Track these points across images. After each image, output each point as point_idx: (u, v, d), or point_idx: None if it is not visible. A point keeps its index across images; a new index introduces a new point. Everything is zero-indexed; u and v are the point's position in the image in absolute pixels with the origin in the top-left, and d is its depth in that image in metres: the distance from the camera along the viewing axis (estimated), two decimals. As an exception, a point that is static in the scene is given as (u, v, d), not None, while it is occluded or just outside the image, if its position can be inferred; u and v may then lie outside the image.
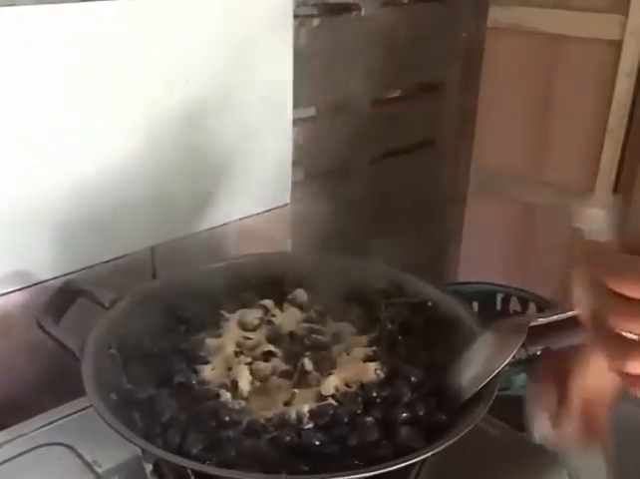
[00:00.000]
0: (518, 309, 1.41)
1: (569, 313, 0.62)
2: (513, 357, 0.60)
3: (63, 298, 0.71)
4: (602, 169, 1.47)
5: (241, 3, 0.91)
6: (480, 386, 0.59)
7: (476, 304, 1.37)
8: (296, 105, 1.01)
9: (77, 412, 0.73)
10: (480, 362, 0.61)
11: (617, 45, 1.30)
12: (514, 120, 1.47)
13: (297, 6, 1.00)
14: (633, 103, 1.32)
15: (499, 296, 1.42)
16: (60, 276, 0.81)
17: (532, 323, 0.61)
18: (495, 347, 0.62)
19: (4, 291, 0.79)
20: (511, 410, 0.90)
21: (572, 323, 0.62)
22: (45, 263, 0.81)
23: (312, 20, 1.04)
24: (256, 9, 0.92)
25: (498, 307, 1.42)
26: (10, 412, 0.77)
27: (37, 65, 0.75)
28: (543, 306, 1.37)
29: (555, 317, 0.62)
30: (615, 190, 1.50)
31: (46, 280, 0.81)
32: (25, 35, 0.73)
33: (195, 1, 0.86)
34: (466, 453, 0.57)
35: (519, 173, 1.58)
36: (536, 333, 0.62)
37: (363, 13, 1.11)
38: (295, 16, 0.98)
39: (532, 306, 1.39)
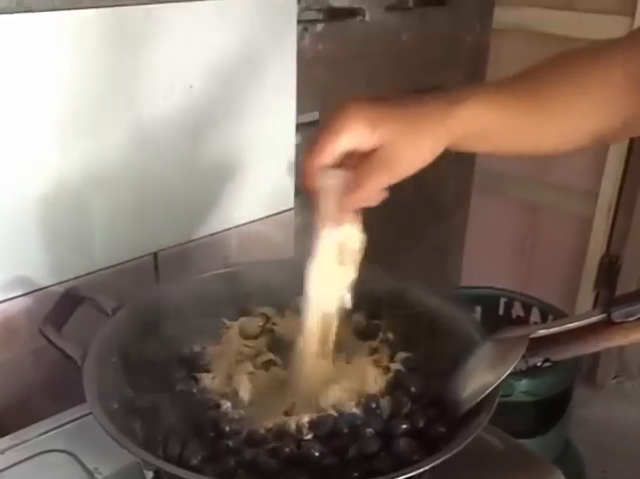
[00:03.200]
0: (521, 314, 1.41)
1: (570, 325, 0.62)
2: (514, 368, 0.60)
3: (65, 306, 0.71)
4: (607, 171, 1.47)
5: (245, 8, 0.91)
6: (481, 398, 0.59)
7: (479, 309, 1.37)
8: (300, 110, 1.01)
9: (79, 419, 0.73)
10: (481, 373, 0.61)
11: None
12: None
13: (301, 11, 1.00)
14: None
15: (503, 301, 1.42)
16: (63, 282, 0.82)
17: (533, 335, 0.62)
18: (496, 359, 0.62)
19: (7, 297, 0.79)
20: (513, 416, 0.91)
21: (573, 335, 0.63)
22: (48, 270, 0.81)
23: (316, 25, 1.04)
24: (260, 14, 0.92)
25: (501, 312, 1.42)
26: (13, 417, 0.78)
27: (34, 69, 0.75)
28: (546, 312, 1.37)
29: (556, 329, 0.62)
30: (620, 192, 1.50)
31: (49, 286, 0.81)
32: (14, 38, 0.73)
33: (200, 8, 0.86)
34: (466, 462, 0.57)
35: (524, 174, 1.58)
36: (537, 344, 0.62)
37: (367, 18, 1.11)
38: (299, 21, 0.99)
39: (535, 311, 1.38)
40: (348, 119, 0.58)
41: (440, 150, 0.60)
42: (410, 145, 0.59)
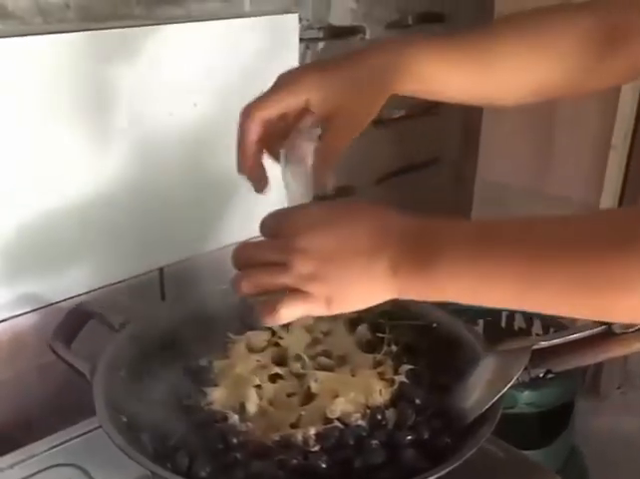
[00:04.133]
0: (523, 327, 1.41)
1: (571, 337, 0.63)
2: (517, 380, 0.61)
3: (74, 321, 0.73)
4: (606, 184, 1.48)
5: (248, 28, 0.93)
6: (484, 409, 0.60)
7: (481, 322, 1.37)
8: (302, 126, 1.02)
9: (88, 433, 0.74)
10: (484, 385, 0.62)
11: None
12: (518, 135, 1.48)
13: (303, 30, 1.01)
14: (637, 118, 1.33)
15: (504, 314, 1.42)
16: (70, 298, 0.83)
17: (535, 347, 0.63)
18: (499, 370, 0.63)
19: (17, 313, 0.80)
20: (516, 428, 0.91)
21: (574, 347, 0.64)
22: (56, 285, 0.82)
23: (317, 43, 1.06)
24: (263, 33, 0.94)
25: (503, 325, 1.42)
26: (22, 432, 0.79)
27: (33, 85, 0.76)
28: (548, 324, 1.37)
29: (557, 341, 0.63)
30: (620, 203, 1.50)
31: (57, 302, 0.82)
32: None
33: (204, 28, 0.88)
34: (469, 474, 0.58)
35: (524, 186, 1.59)
36: (539, 356, 0.63)
37: (368, 35, 1.13)
38: (301, 39, 1.00)
39: (537, 324, 1.39)
40: (293, 80, 0.60)
41: (388, 95, 0.62)
42: (360, 99, 0.60)
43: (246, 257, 0.54)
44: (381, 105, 0.61)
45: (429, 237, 0.49)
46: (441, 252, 0.48)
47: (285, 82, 0.61)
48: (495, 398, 0.60)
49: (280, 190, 0.64)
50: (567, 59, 0.66)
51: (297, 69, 0.64)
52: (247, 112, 0.60)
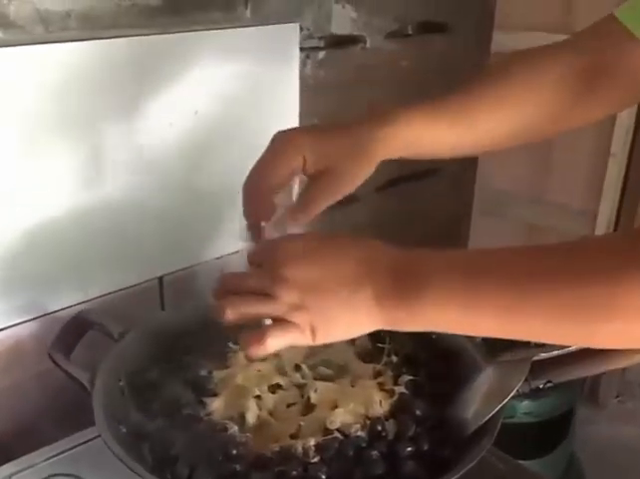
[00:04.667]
0: (522, 336, 1.41)
1: (571, 349, 0.63)
2: (517, 391, 0.61)
3: (73, 331, 0.73)
4: (605, 192, 1.48)
5: (249, 37, 0.93)
6: (484, 421, 0.60)
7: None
8: (302, 135, 1.02)
9: (87, 442, 0.73)
10: (484, 397, 0.62)
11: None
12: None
13: (303, 39, 1.02)
14: (636, 127, 1.33)
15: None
16: (70, 307, 0.83)
17: (535, 358, 0.63)
18: (499, 382, 0.63)
19: (16, 322, 0.80)
20: (516, 438, 0.91)
21: (574, 358, 0.64)
22: (55, 294, 0.82)
23: (318, 52, 1.06)
24: (264, 43, 0.94)
25: (503, 334, 1.42)
26: (20, 441, 0.78)
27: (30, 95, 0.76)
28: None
29: (557, 352, 0.63)
30: (618, 213, 1.51)
31: (56, 311, 0.82)
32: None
33: (205, 37, 0.88)
34: (469, 485, 0.58)
35: (523, 194, 1.59)
36: (539, 368, 0.63)
37: (368, 45, 1.13)
38: (301, 48, 1.00)
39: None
40: (290, 142, 0.64)
41: (377, 162, 0.65)
42: (350, 164, 0.64)
43: (232, 285, 0.55)
44: (368, 171, 0.64)
45: (415, 267, 0.49)
46: (427, 284, 0.48)
47: (282, 144, 0.64)
48: (496, 410, 0.60)
49: (280, 199, 0.66)
50: (550, 101, 0.68)
51: (293, 130, 0.67)
52: (250, 189, 0.64)
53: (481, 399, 0.63)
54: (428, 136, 0.66)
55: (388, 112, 0.65)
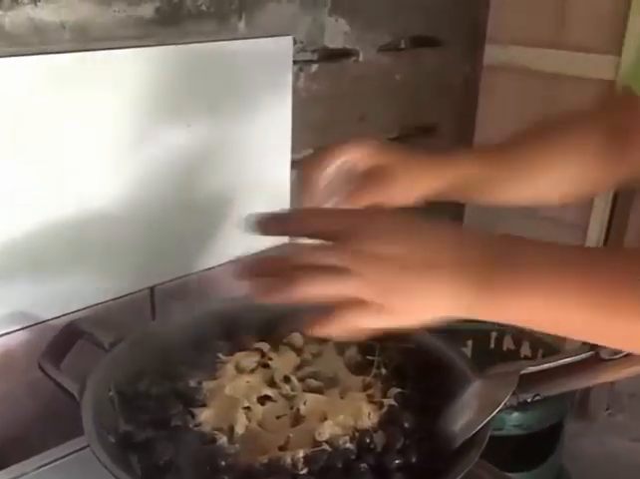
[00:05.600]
0: (512, 348, 1.42)
1: (559, 362, 0.64)
2: (505, 404, 0.62)
3: (64, 341, 0.72)
4: (596, 203, 1.49)
5: (243, 50, 0.93)
6: (472, 433, 0.60)
7: (470, 343, 1.38)
8: (294, 147, 1.03)
9: (77, 451, 0.73)
10: (472, 410, 0.63)
11: (611, 85, 1.32)
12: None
13: (297, 52, 1.02)
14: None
15: (494, 335, 1.43)
16: (60, 316, 0.83)
17: (523, 371, 0.63)
18: (487, 395, 0.63)
19: (6, 331, 0.80)
20: (504, 450, 0.91)
21: (563, 371, 0.64)
22: (46, 304, 0.82)
23: (311, 65, 1.07)
24: (257, 55, 0.95)
25: (492, 346, 1.43)
26: (10, 450, 0.78)
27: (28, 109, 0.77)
28: (537, 346, 1.38)
29: (546, 366, 0.64)
30: (609, 224, 1.52)
31: (47, 320, 0.82)
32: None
33: (198, 49, 0.88)
34: (457, 498, 0.58)
35: (515, 209, 1.60)
36: (527, 381, 0.63)
37: (361, 58, 1.14)
38: (295, 61, 1.01)
39: (526, 345, 1.40)
40: (355, 141, 0.67)
41: (433, 188, 0.66)
42: (409, 172, 0.66)
43: (298, 260, 0.48)
44: (425, 192, 0.67)
45: (510, 259, 0.47)
46: (521, 274, 0.46)
47: (343, 144, 0.67)
48: (484, 423, 0.60)
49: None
50: (591, 167, 0.72)
51: (359, 139, 0.69)
52: (309, 166, 0.66)
53: (470, 412, 0.63)
54: (485, 179, 0.70)
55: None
